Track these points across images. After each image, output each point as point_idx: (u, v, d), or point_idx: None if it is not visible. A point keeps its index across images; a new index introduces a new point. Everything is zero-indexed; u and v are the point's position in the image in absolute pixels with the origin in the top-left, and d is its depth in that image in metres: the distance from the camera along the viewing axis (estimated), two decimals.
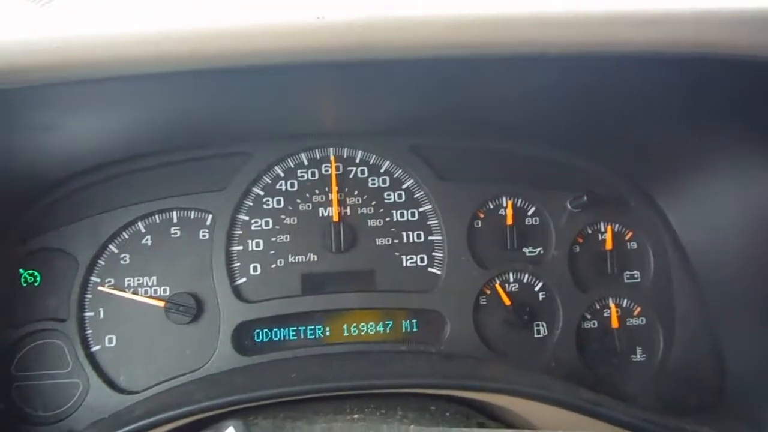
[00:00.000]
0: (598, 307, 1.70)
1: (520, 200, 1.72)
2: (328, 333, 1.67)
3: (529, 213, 1.72)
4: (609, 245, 1.71)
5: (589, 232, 1.72)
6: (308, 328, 1.67)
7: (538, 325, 1.68)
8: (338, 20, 0.98)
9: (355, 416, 1.22)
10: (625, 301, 1.70)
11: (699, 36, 1.03)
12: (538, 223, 1.72)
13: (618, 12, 1.01)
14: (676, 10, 1.03)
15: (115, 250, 1.65)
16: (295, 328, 1.66)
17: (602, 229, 1.72)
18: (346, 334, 1.67)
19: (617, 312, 1.69)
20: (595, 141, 1.66)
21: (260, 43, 1.00)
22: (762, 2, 1.01)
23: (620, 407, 1.33)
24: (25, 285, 1.63)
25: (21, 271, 1.63)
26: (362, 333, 1.67)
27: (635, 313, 1.70)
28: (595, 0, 1.00)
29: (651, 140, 1.57)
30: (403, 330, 1.68)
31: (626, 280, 1.72)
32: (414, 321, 1.68)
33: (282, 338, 1.66)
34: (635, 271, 1.72)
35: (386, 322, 1.68)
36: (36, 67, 0.99)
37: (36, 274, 1.64)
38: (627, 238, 1.73)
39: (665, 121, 1.48)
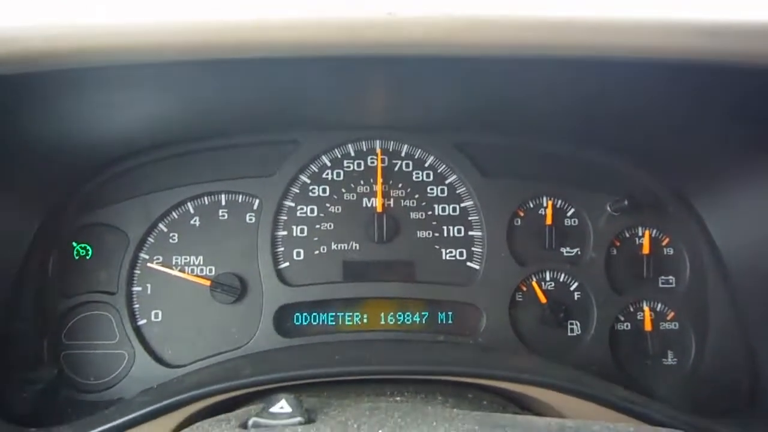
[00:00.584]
0: (632, 309, 1.72)
1: (560, 201, 1.75)
2: (365, 320, 1.71)
3: (569, 214, 1.75)
4: (646, 249, 1.73)
5: (627, 235, 1.75)
6: (346, 314, 1.71)
7: (572, 324, 1.71)
8: (409, 16, 1.01)
9: (397, 399, 1.27)
10: (659, 305, 1.73)
11: (747, 47, 1.05)
12: (576, 224, 1.75)
13: (678, 21, 1.04)
14: (732, 21, 1.06)
15: (165, 229, 1.71)
16: (333, 314, 1.71)
17: (640, 234, 1.75)
18: (383, 322, 1.71)
19: (651, 315, 1.71)
20: (637, 146, 1.68)
21: (329, 37, 1.04)
22: None
23: (653, 405, 1.36)
24: (77, 258, 1.70)
25: (74, 244, 1.69)
26: (399, 322, 1.72)
27: (669, 318, 1.73)
28: (657, 9, 1.03)
29: (692, 147, 1.59)
30: (439, 322, 1.72)
31: (661, 285, 1.74)
32: (450, 313, 1.72)
33: (321, 323, 1.71)
34: (670, 277, 1.74)
35: (422, 313, 1.72)
36: (99, 50, 1.03)
37: (88, 247, 1.70)
38: (664, 243, 1.75)
39: (707, 130, 1.50)
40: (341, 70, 1.28)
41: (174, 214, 1.72)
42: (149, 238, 1.70)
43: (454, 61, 1.16)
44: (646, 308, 1.72)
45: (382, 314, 1.72)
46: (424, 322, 1.72)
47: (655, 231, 1.75)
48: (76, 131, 1.51)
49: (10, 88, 1.15)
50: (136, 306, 1.68)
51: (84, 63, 1.09)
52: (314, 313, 1.71)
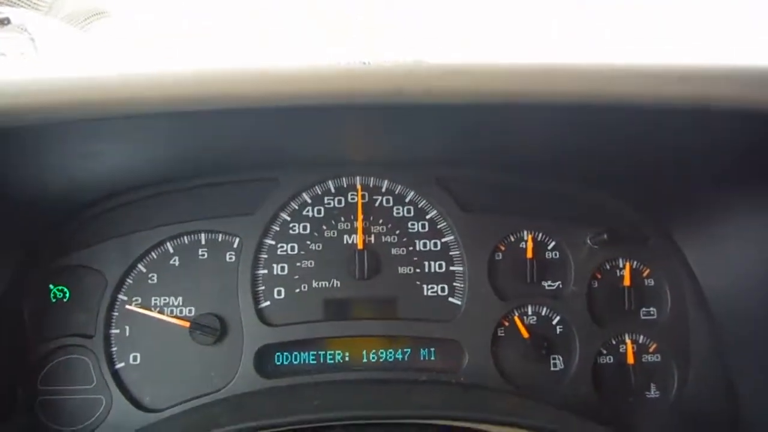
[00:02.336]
0: (614, 342, 1.72)
1: (540, 234, 1.75)
2: (347, 359, 1.70)
3: (549, 247, 1.75)
4: (627, 281, 1.73)
5: (608, 267, 1.75)
6: (328, 353, 1.70)
7: (554, 359, 1.71)
8: (383, 67, 1.02)
9: None
10: (641, 337, 1.73)
11: (721, 92, 1.06)
12: (557, 257, 1.75)
13: (650, 68, 1.05)
14: (704, 68, 1.07)
15: (144, 270, 1.69)
16: (315, 353, 1.69)
17: (621, 266, 1.75)
18: (365, 360, 1.70)
19: (633, 348, 1.71)
20: (618, 179, 1.70)
21: (304, 87, 1.04)
22: None
23: None
24: (54, 300, 1.67)
25: (51, 286, 1.67)
26: (381, 360, 1.70)
27: (651, 350, 1.73)
28: (630, 56, 1.04)
29: (673, 182, 1.60)
30: (422, 358, 1.71)
31: (643, 317, 1.74)
32: (432, 350, 1.71)
33: (302, 362, 1.69)
34: (652, 308, 1.75)
35: (405, 350, 1.71)
36: (75, 105, 1.03)
37: (65, 290, 1.67)
38: (645, 275, 1.76)
39: (688, 166, 1.51)
40: (320, 113, 1.28)
41: (153, 254, 1.70)
42: (128, 279, 1.68)
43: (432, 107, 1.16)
44: (628, 341, 1.72)
45: (365, 352, 1.70)
46: (406, 359, 1.71)
47: (635, 263, 1.76)
48: (52, 178, 1.49)
49: None
50: (114, 349, 1.65)
51: (53, 118, 1.08)
52: (296, 353, 1.69)
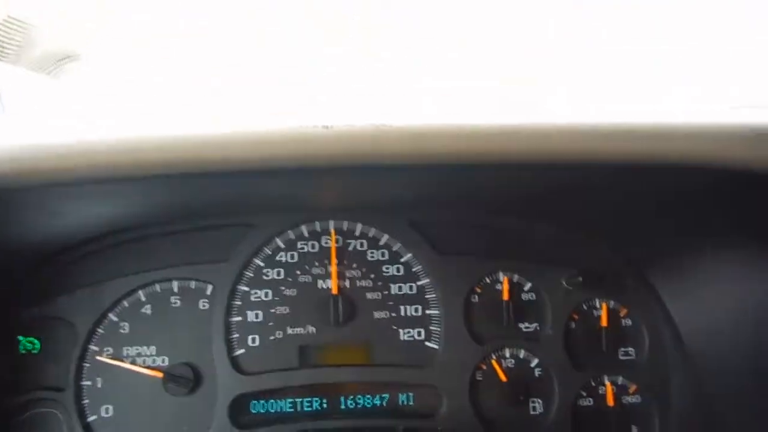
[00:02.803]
0: (593, 384, 1.71)
1: (516, 276, 1.74)
2: (325, 406, 1.67)
3: (525, 288, 1.74)
4: (604, 322, 1.72)
5: (585, 308, 1.74)
6: (305, 400, 1.67)
7: (534, 402, 1.69)
8: (346, 130, 1.01)
9: None
10: (621, 378, 1.71)
11: (692, 150, 1.06)
12: (534, 298, 1.74)
13: (615, 126, 1.05)
14: (676, 125, 1.07)
15: (115, 319, 1.66)
16: (291, 401, 1.67)
17: (597, 306, 1.74)
18: (342, 407, 1.67)
19: (613, 390, 1.70)
20: (593, 220, 1.69)
21: (265, 150, 1.03)
22: (754, 119, 1.04)
23: None
24: (24, 352, 1.64)
25: (20, 338, 1.63)
26: (359, 406, 1.68)
27: (631, 391, 1.71)
28: (595, 115, 1.04)
29: (647, 226, 1.60)
30: (400, 404, 1.68)
31: (621, 357, 1.73)
32: (411, 395, 1.69)
33: (278, 410, 1.66)
34: (630, 348, 1.74)
35: (383, 396, 1.69)
36: (43, 172, 1.01)
37: (35, 341, 1.64)
38: (622, 315, 1.75)
39: (660, 213, 1.51)
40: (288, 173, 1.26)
41: (125, 302, 1.67)
42: (99, 329, 1.65)
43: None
44: (607, 382, 1.71)
45: (342, 398, 1.68)
46: (384, 404, 1.68)
47: (612, 303, 1.75)
48: (18, 231, 1.47)
49: None
50: (86, 402, 1.62)
51: (19, 184, 1.07)
52: (271, 401, 1.67)
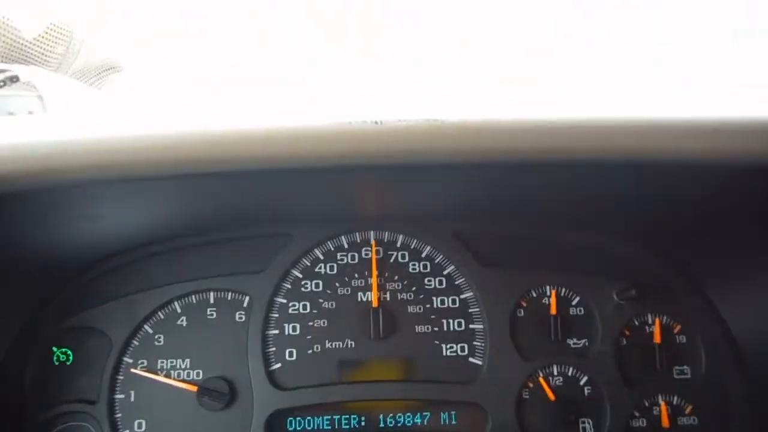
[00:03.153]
0: (647, 404, 1.62)
1: (564, 289, 1.67)
2: (363, 423, 1.60)
3: (574, 303, 1.66)
4: (657, 339, 1.64)
5: (636, 324, 1.66)
6: (343, 417, 1.61)
7: (584, 423, 1.60)
8: (396, 126, 0.96)
9: None
10: (676, 398, 1.62)
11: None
12: (583, 313, 1.66)
13: (669, 121, 0.99)
14: (726, 120, 1.01)
15: (150, 331, 1.62)
16: (329, 417, 1.61)
17: (650, 322, 1.66)
18: (382, 425, 1.60)
19: (668, 410, 1.61)
20: (645, 231, 1.62)
21: (311, 147, 0.98)
22: None
23: None
24: (57, 363, 1.60)
25: (54, 349, 1.60)
26: (399, 424, 1.61)
27: (687, 412, 1.62)
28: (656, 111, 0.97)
29: (703, 235, 1.52)
30: (442, 422, 1.61)
31: (676, 376, 1.64)
32: (453, 413, 1.61)
33: (315, 428, 1.60)
34: (685, 366, 1.64)
35: (424, 413, 1.61)
36: (82, 168, 0.98)
37: (69, 352, 1.61)
38: (676, 331, 1.66)
39: (717, 219, 1.43)
40: (333, 172, 1.22)
41: (160, 314, 1.63)
42: (134, 341, 1.61)
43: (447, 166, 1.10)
44: (662, 402, 1.61)
45: (381, 416, 1.61)
46: (426, 423, 1.61)
47: (665, 318, 1.66)
48: (54, 239, 1.45)
49: None
50: (119, 415, 1.58)
51: (59, 182, 1.04)
52: (309, 418, 1.60)
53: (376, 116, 0.97)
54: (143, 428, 1.57)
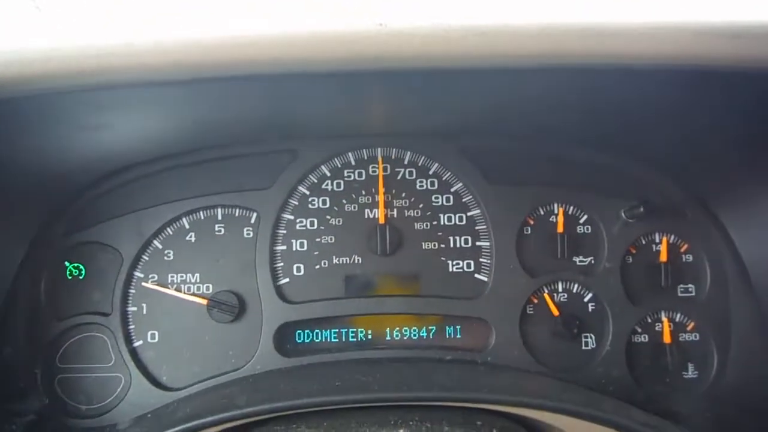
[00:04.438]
0: (649, 320, 1.64)
1: (571, 207, 1.66)
2: (370, 337, 1.64)
3: (581, 221, 1.66)
4: (663, 257, 1.64)
5: (643, 242, 1.66)
6: (350, 330, 1.64)
7: (586, 338, 1.63)
8: (400, 28, 0.93)
9: (401, 430, 1.20)
10: (679, 315, 1.64)
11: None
12: (590, 231, 1.66)
13: (693, 24, 0.95)
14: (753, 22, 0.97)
15: (159, 246, 1.64)
16: (336, 331, 1.64)
17: (657, 240, 1.66)
18: (388, 338, 1.64)
19: (670, 326, 1.63)
20: (654, 149, 1.59)
21: (319, 50, 0.96)
22: None
23: (673, 430, 1.29)
24: (70, 278, 1.64)
25: (66, 263, 1.63)
26: (405, 338, 1.64)
27: (689, 328, 1.64)
28: (670, 13, 0.94)
29: (711, 150, 1.49)
30: (447, 336, 1.64)
31: (680, 294, 1.65)
32: (458, 327, 1.64)
33: (323, 340, 1.64)
34: (690, 285, 1.65)
35: (429, 328, 1.65)
36: (91, 72, 0.97)
37: (81, 267, 1.64)
38: (682, 250, 1.66)
39: (727, 132, 1.40)
40: (337, 81, 1.20)
41: (168, 230, 1.65)
42: (144, 256, 1.64)
43: (454, 71, 1.07)
44: (664, 319, 1.63)
45: (388, 330, 1.65)
46: (431, 336, 1.64)
47: (673, 237, 1.66)
48: (64, 151, 1.45)
49: None
50: (132, 327, 1.62)
51: (68, 86, 1.02)
52: (316, 331, 1.64)
53: (381, 19, 0.94)
54: (156, 339, 1.61)
